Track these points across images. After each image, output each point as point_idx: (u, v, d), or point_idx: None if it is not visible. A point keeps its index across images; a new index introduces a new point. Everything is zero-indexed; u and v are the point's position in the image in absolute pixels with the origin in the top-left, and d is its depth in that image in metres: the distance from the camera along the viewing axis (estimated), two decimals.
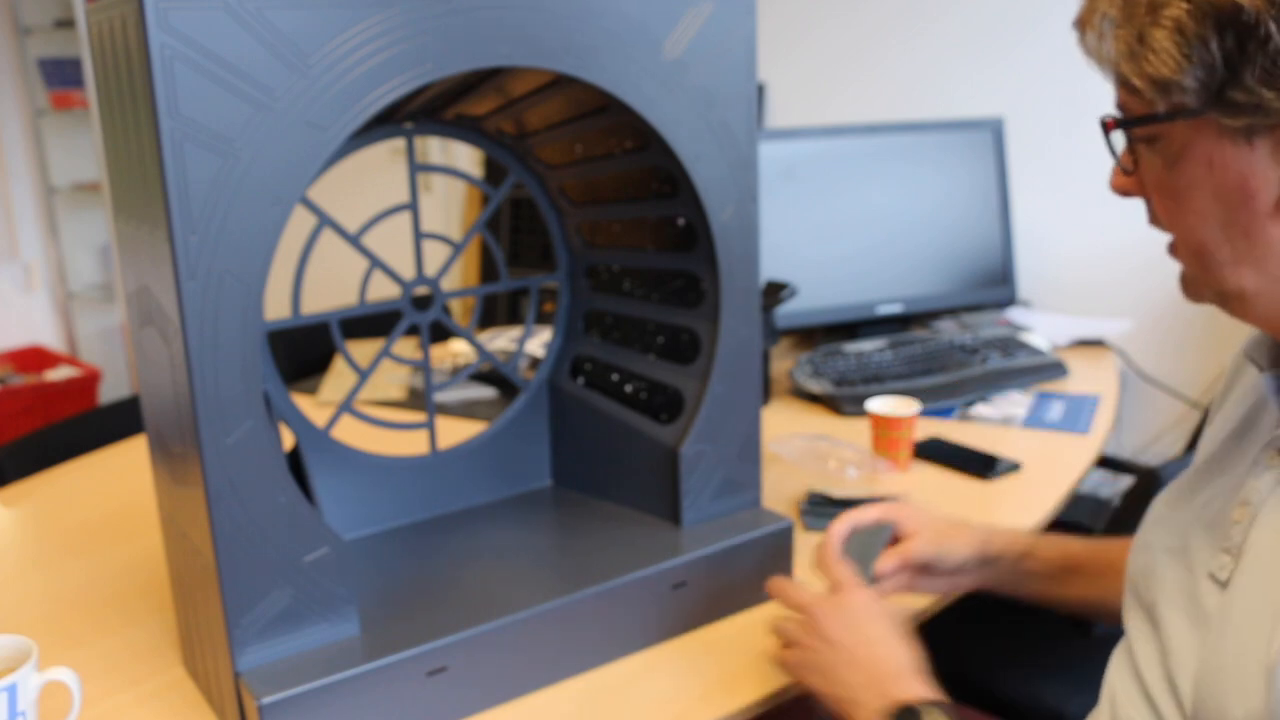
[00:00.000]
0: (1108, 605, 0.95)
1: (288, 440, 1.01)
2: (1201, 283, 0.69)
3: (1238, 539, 0.70)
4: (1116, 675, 0.80)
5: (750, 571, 1.04)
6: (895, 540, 0.99)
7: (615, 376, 1.15)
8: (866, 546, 0.97)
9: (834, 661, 0.83)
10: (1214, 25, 0.58)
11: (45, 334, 3.78)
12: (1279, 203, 0.61)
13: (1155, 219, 0.71)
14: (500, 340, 1.92)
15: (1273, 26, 0.57)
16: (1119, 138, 0.69)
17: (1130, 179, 0.70)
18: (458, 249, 1.08)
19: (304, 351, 1.92)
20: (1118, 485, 1.92)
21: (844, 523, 0.98)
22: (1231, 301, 0.67)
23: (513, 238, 3.08)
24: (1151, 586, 0.78)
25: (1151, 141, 0.66)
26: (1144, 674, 0.76)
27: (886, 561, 0.96)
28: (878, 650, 0.82)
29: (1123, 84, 0.65)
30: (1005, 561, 0.99)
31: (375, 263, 1.03)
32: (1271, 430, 0.72)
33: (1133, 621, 0.80)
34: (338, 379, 1.84)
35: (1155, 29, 0.60)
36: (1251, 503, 0.70)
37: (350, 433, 1.25)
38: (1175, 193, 0.66)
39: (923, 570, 0.99)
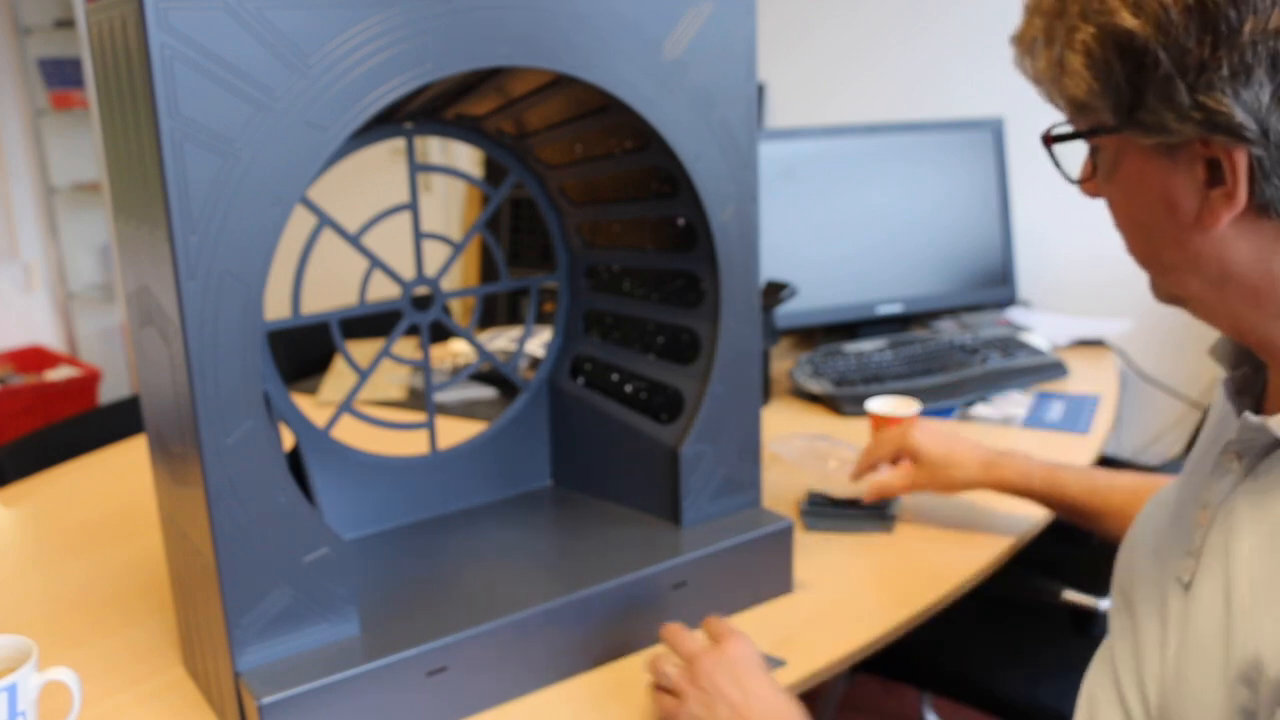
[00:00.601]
0: (1112, 539, 1.00)
1: (288, 440, 1.01)
2: (1157, 285, 0.71)
3: (1198, 542, 0.70)
4: (1096, 675, 0.80)
5: (750, 571, 1.04)
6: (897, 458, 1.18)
7: (615, 376, 1.15)
8: None
9: (718, 714, 0.81)
10: (1114, 50, 0.60)
11: (45, 334, 3.78)
12: (1198, 216, 0.63)
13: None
14: (500, 340, 1.92)
15: (1161, 54, 0.58)
16: (1073, 147, 0.70)
17: (1092, 184, 0.72)
18: (458, 249, 1.08)
19: (304, 351, 1.92)
20: None
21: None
22: (1188, 305, 0.69)
23: (513, 238, 3.08)
24: (1134, 584, 0.78)
25: (1094, 153, 0.68)
26: (1120, 675, 0.76)
27: (870, 492, 1.17)
28: (766, 704, 0.81)
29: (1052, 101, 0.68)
30: (1009, 487, 1.13)
31: (375, 263, 1.03)
32: (1230, 433, 0.72)
33: (1116, 619, 0.81)
34: (338, 379, 1.84)
35: (1069, 51, 0.62)
36: (1211, 505, 0.70)
37: (350, 433, 1.25)
38: (1116, 202, 0.68)
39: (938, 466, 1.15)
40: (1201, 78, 0.57)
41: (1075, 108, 0.65)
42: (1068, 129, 0.68)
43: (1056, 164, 0.71)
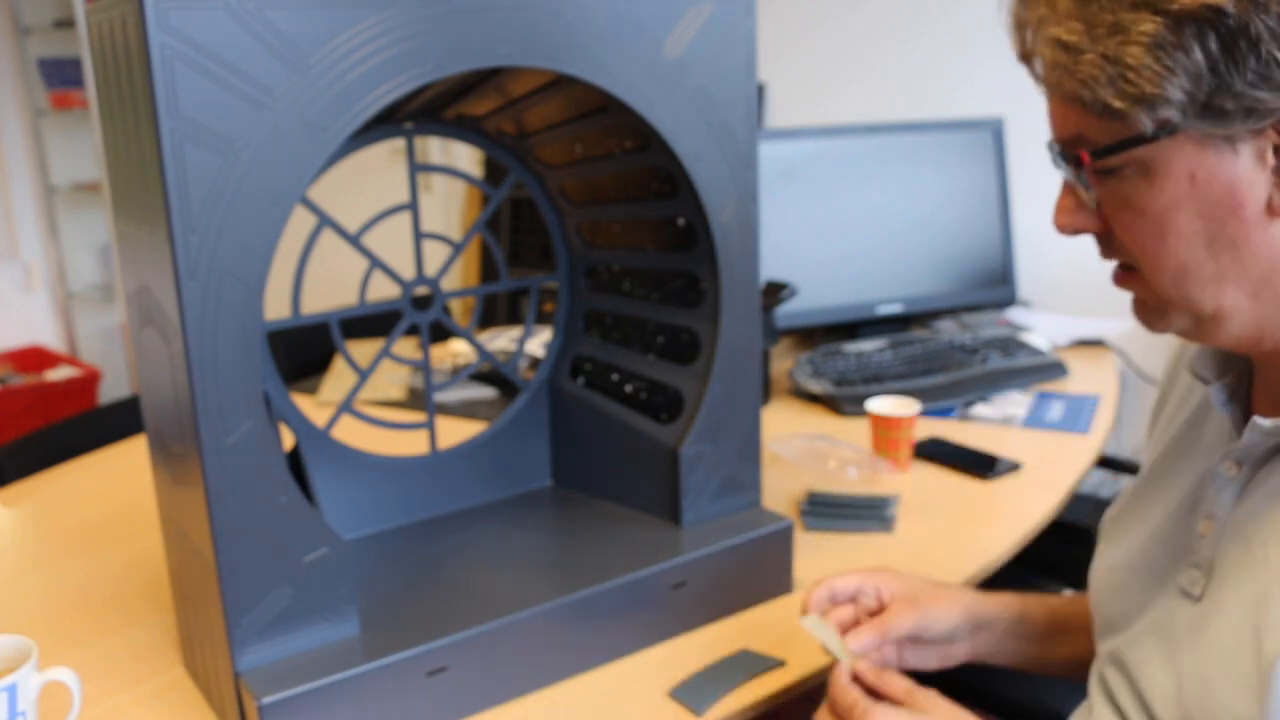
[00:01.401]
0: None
1: (288, 440, 1.01)
2: (1172, 308, 0.66)
3: (1206, 553, 0.70)
4: (1095, 697, 0.79)
5: (750, 571, 1.04)
6: (876, 611, 0.90)
7: (615, 376, 1.15)
8: (732, 665, 0.92)
9: None
10: (1194, 33, 0.56)
11: (45, 334, 3.78)
12: (1269, 204, 0.60)
13: (1114, 250, 0.68)
14: (500, 340, 1.92)
15: (1259, 23, 0.55)
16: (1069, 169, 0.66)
17: (1086, 213, 0.67)
18: (458, 249, 1.08)
19: (304, 351, 1.92)
20: (1118, 485, 1.93)
21: (823, 587, 0.90)
22: (1205, 324, 0.65)
23: (513, 238, 3.08)
24: (1120, 606, 0.78)
25: (1116, 170, 0.63)
26: (1118, 698, 0.75)
27: (862, 636, 0.85)
28: None
29: (1088, 110, 0.62)
30: (1000, 625, 0.91)
31: (375, 263, 1.03)
32: (1225, 442, 0.72)
33: (1104, 644, 0.79)
34: (338, 379, 1.84)
35: (1128, 47, 0.58)
36: (1216, 516, 0.69)
37: (350, 433, 1.25)
38: (1152, 216, 0.63)
39: (911, 642, 0.90)
40: None
41: (1142, 106, 0.59)
42: (1104, 142, 0.62)
43: (1085, 184, 0.65)
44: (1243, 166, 0.59)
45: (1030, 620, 0.92)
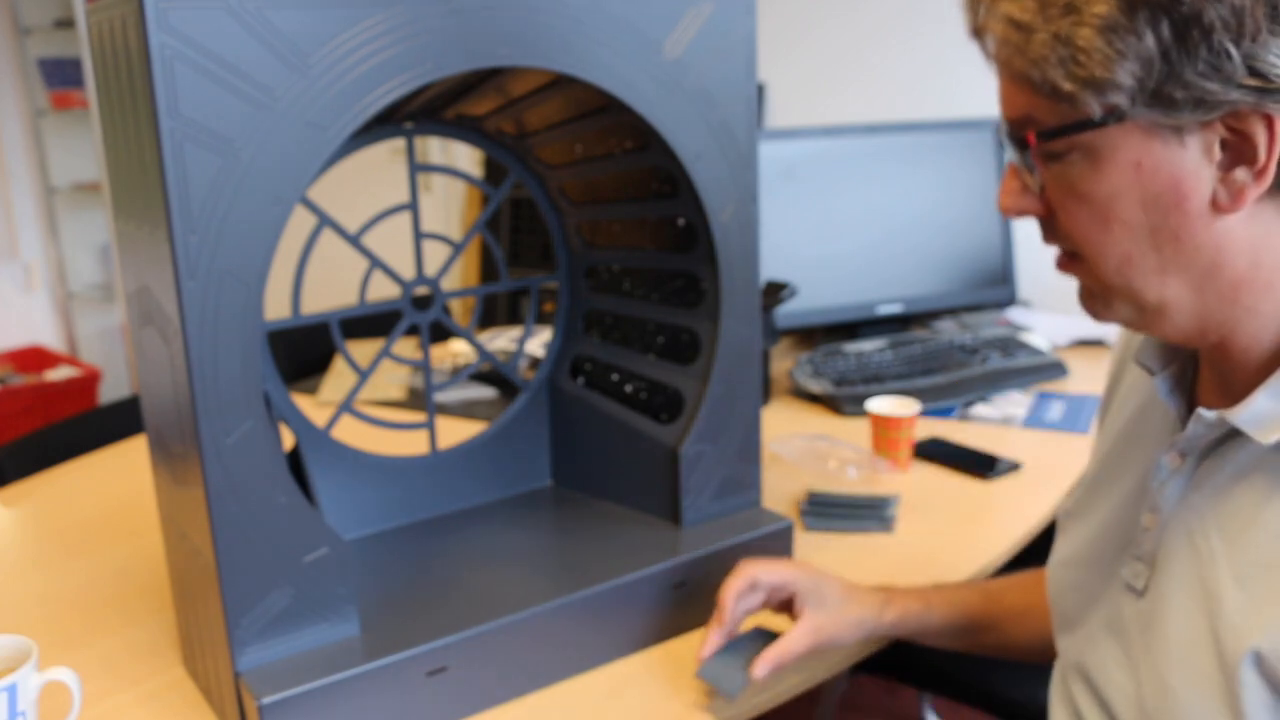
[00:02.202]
0: (1019, 649, 0.94)
1: (288, 440, 1.01)
2: (1115, 296, 0.65)
3: (1149, 546, 0.69)
4: (1057, 706, 0.79)
5: None
6: (787, 602, 0.91)
7: (615, 376, 1.15)
8: (747, 644, 0.90)
9: None
10: (1147, 18, 0.55)
11: (45, 334, 3.78)
12: (1213, 200, 0.59)
13: (1057, 235, 0.67)
14: (500, 340, 1.92)
15: (1213, 12, 0.54)
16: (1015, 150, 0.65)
17: (1030, 196, 0.66)
18: (458, 249, 1.08)
19: (304, 351, 1.92)
20: None
21: (742, 578, 0.89)
22: (1149, 315, 0.64)
23: (513, 238, 3.08)
24: (1073, 600, 0.77)
25: (1062, 155, 0.62)
26: (1078, 700, 0.75)
27: (762, 666, 0.85)
28: None
29: (1036, 91, 0.61)
30: (907, 624, 0.93)
31: (375, 263, 1.03)
32: (1169, 433, 0.71)
33: (1063, 642, 0.79)
34: (338, 379, 1.84)
35: (1080, 28, 0.57)
36: (1160, 509, 0.69)
37: (350, 433, 1.25)
38: (1095, 203, 0.62)
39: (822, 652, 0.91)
40: (1258, 38, 0.54)
41: (1090, 89, 0.58)
42: (1051, 124, 0.61)
43: (1028, 166, 0.65)
44: (1189, 159, 0.59)
45: (934, 616, 0.93)
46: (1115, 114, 0.59)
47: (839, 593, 0.91)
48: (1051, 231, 0.67)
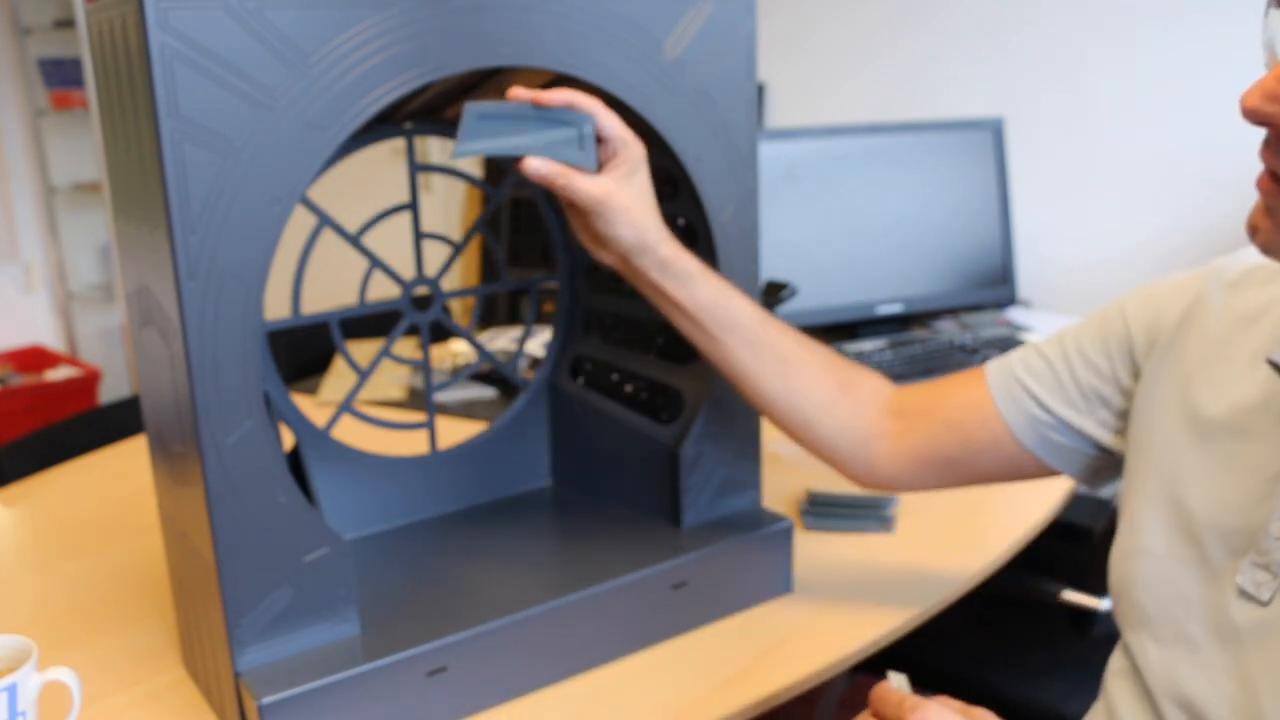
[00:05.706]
0: (753, 386, 0.96)
1: (288, 440, 1.01)
2: None
3: (1279, 556, 0.66)
4: (1117, 694, 0.76)
5: (750, 571, 1.04)
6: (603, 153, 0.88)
7: (615, 376, 1.15)
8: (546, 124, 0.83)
9: None
10: None
11: (45, 334, 3.78)
12: None
13: None
14: (500, 340, 1.92)
15: None
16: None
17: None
18: (458, 249, 1.08)
19: (304, 351, 1.92)
20: (1118, 485, 1.92)
21: (583, 97, 0.85)
22: None
23: (513, 238, 3.07)
24: (1155, 597, 0.74)
25: None
26: (1160, 704, 0.72)
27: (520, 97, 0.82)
28: None
29: None
30: (676, 269, 0.91)
31: (375, 263, 1.03)
32: None
33: (1136, 637, 0.76)
34: (338, 379, 1.84)
35: None
36: None
37: (350, 433, 1.25)
38: None
39: (590, 215, 0.88)
40: None
41: None
42: None
43: None
44: None
45: (713, 304, 0.92)
46: None
47: (648, 192, 0.90)
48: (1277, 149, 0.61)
